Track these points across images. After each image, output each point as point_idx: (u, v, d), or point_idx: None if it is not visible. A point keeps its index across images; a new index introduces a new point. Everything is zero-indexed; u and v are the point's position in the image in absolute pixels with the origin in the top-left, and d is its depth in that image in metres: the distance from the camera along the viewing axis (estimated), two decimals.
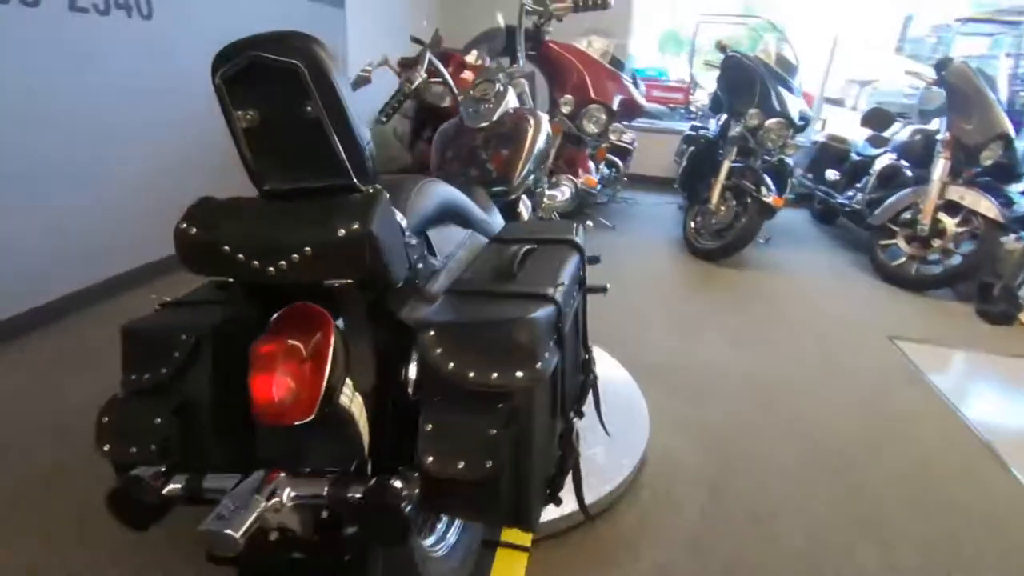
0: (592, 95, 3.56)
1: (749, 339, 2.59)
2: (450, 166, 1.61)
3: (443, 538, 1.15)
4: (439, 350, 0.72)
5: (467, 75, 3.77)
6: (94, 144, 2.34)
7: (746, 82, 3.43)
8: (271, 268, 0.68)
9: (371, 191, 0.72)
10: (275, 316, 0.72)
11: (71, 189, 2.28)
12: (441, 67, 1.83)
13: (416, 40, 3.80)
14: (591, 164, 3.60)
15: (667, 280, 3.34)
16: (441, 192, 1.02)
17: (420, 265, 0.83)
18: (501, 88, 1.81)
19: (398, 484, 0.65)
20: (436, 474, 0.67)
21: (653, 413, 1.85)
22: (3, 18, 1.91)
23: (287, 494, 0.67)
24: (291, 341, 0.69)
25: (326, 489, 0.68)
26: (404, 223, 0.80)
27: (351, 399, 0.75)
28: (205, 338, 0.76)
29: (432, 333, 0.74)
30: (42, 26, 2.05)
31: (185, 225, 0.71)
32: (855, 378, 2.33)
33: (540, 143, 1.72)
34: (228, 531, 0.59)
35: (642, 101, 3.90)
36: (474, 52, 3.91)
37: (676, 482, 1.64)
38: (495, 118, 1.74)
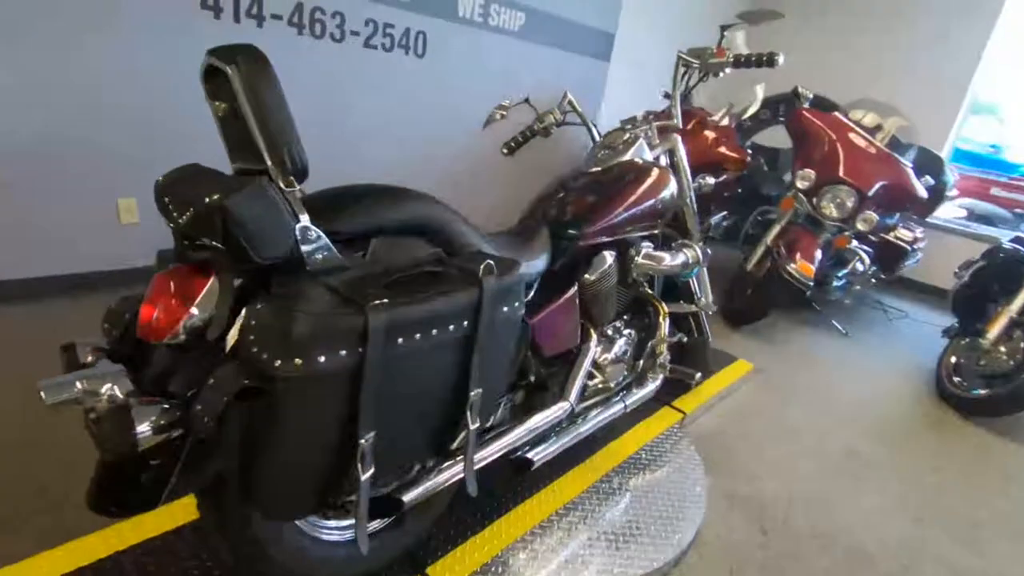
0: (840, 173, 3.02)
1: (1001, 550, 1.84)
2: (535, 205, 1.64)
3: (350, 527, 1.18)
4: (252, 321, 0.81)
5: (708, 134, 3.63)
6: (384, 148, 3.07)
7: None
8: (180, 219, 0.88)
9: (254, 177, 0.85)
10: (173, 266, 0.92)
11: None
12: (581, 110, 1.87)
13: (667, 95, 3.83)
14: (817, 251, 3.04)
15: (892, 424, 2.56)
16: (418, 209, 1.09)
17: (318, 256, 0.93)
18: (630, 138, 1.76)
19: (138, 415, 0.75)
20: (198, 417, 0.77)
21: None
22: (313, 49, 2.69)
23: (108, 388, 0.84)
24: (172, 282, 0.88)
25: (134, 402, 0.82)
26: (303, 216, 0.90)
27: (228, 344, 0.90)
28: None
29: (257, 306, 0.83)
30: (345, 58, 2.80)
31: (160, 179, 0.96)
32: None
33: (649, 198, 1.62)
34: (44, 384, 0.79)
35: (922, 193, 3.12)
36: (722, 112, 3.74)
37: None
38: (607, 165, 1.70)
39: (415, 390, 0.89)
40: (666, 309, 1.85)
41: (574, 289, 1.49)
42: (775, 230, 3.21)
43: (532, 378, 1.42)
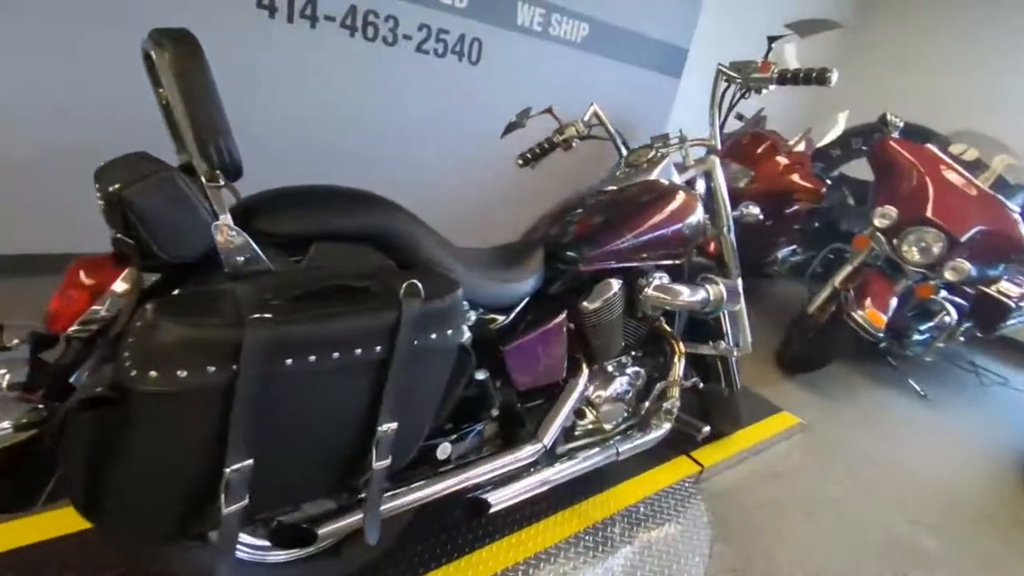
0: (928, 213, 2.65)
1: None
2: (538, 221, 1.52)
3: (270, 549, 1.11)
4: (134, 323, 0.75)
5: (780, 160, 3.35)
6: (430, 152, 3.07)
7: None
8: (102, 207, 0.84)
9: (162, 171, 0.80)
10: (93, 255, 0.88)
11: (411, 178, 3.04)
12: (608, 123, 1.72)
13: (739, 117, 3.58)
14: (892, 299, 2.67)
15: (963, 514, 2.15)
16: (369, 216, 1.00)
17: (238, 258, 0.86)
18: (656, 156, 1.60)
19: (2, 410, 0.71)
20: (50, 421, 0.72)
21: None
22: (365, 52, 2.70)
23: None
24: (82, 272, 0.84)
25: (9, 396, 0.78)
26: (224, 214, 0.84)
27: None
28: None
29: (145, 308, 0.78)
30: (395, 62, 2.81)
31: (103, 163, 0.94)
32: None
33: (668, 224, 1.47)
34: None
35: None
36: (797, 137, 3.44)
37: None
38: (624, 184, 1.55)
39: (312, 418, 0.79)
40: (682, 349, 1.65)
41: (561, 317, 1.34)
42: (845, 271, 2.87)
43: (494, 412, 1.29)
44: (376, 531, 0.91)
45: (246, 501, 0.75)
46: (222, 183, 0.85)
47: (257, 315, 0.71)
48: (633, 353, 1.63)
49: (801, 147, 3.43)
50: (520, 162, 1.74)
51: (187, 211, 0.82)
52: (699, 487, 1.86)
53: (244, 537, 1.06)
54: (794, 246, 3.75)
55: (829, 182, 3.65)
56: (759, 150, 3.41)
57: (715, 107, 1.67)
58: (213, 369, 0.69)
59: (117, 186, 0.77)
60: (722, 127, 1.74)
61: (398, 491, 1.13)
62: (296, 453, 0.80)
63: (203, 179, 0.84)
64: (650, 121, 3.96)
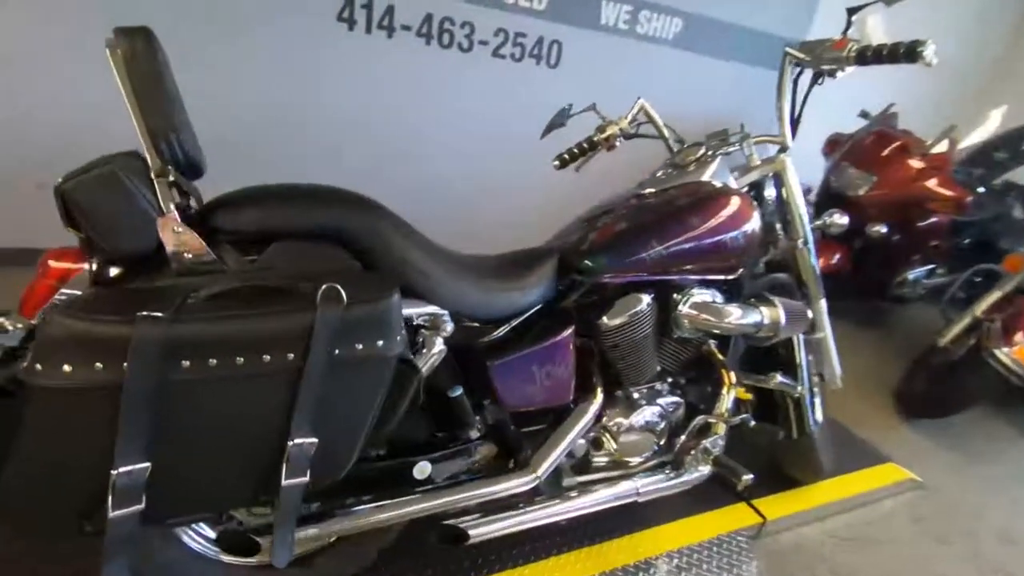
0: None
1: None
2: (568, 227, 1.38)
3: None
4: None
5: (913, 164, 2.85)
6: (503, 158, 3.03)
7: None
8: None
9: (107, 166, 0.80)
10: (64, 247, 0.91)
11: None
12: (658, 119, 1.53)
13: (863, 114, 3.12)
14: None
15: None
16: (332, 215, 0.96)
17: (186, 254, 0.85)
18: (706, 155, 1.41)
19: None
20: None
21: None
22: (440, 59, 2.72)
23: None
24: (50, 262, 0.88)
25: None
26: (171, 211, 0.83)
27: None
28: None
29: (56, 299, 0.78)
30: (471, 67, 2.80)
31: None
32: None
33: (713, 233, 1.29)
34: None
35: None
36: (936, 136, 2.91)
37: None
38: (665, 187, 1.37)
39: (217, 426, 0.75)
40: (733, 380, 1.41)
41: (566, 333, 1.20)
42: (992, 297, 2.34)
43: (473, 434, 1.17)
44: (286, 553, 0.84)
45: (141, 505, 0.72)
46: (171, 178, 0.85)
47: (145, 313, 0.68)
48: (671, 379, 1.43)
49: (941, 148, 2.88)
50: (556, 164, 1.61)
51: (129, 206, 0.82)
52: (757, 543, 1.58)
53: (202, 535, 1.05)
54: (932, 265, 3.15)
55: (982, 190, 3.02)
56: (885, 152, 2.92)
57: (784, 97, 1.42)
58: (101, 367, 0.67)
59: (60, 180, 0.79)
60: (797, 120, 1.47)
61: (362, 508, 1.06)
62: (200, 461, 0.76)
63: (152, 174, 0.84)
64: (760, 123, 3.58)
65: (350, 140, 2.73)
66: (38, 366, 0.66)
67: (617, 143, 1.55)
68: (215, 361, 0.72)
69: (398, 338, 0.82)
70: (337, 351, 0.77)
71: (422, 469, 1.12)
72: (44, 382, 0.66)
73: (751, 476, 1.34)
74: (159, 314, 0.69)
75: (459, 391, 1.09)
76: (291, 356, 0.75)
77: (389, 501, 1.08)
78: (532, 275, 1.20)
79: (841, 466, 1.90)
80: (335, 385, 0.78)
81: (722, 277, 1.35)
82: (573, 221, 1.42)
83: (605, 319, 1.26)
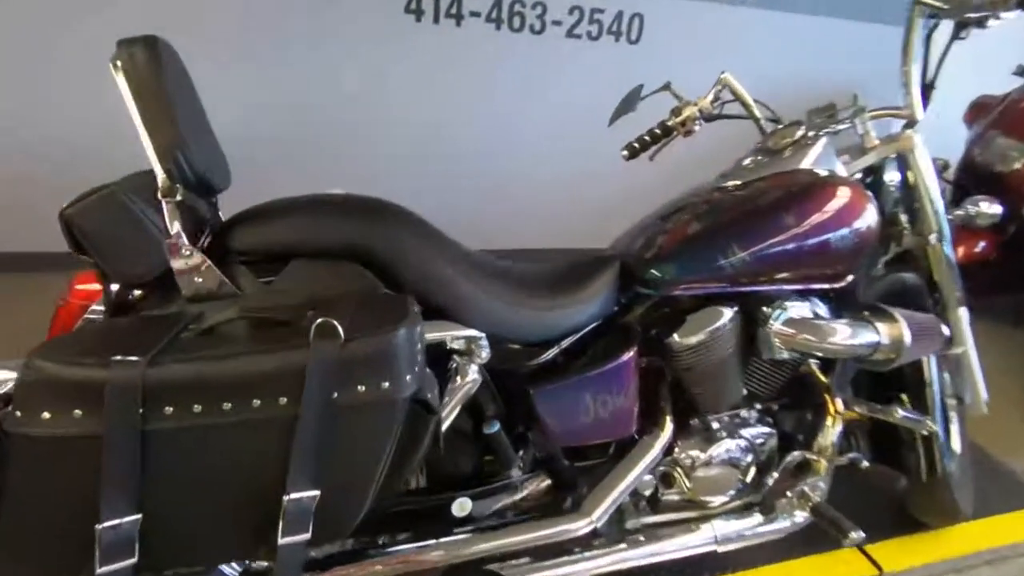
0: None
1: None
2: (633, 227, 1.21)
3: None
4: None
5: None
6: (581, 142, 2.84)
7: None
8: None
9: (108, 188, 0.76)
10: (87, 271, 0.88)
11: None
12: (747, 97, 1.29)
13: (1021, 71, 2.59)
14: None
15: None
16: (343, 229, 0.87)
17: (195, 278, 0.80)
18: (805, 136, 1.17)
19: None
20: None
21: None
22: (511, 44, 2.58)
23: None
24: (77, 283, 0.87)
25: None
26: (176, 232, 0.77)
27: None
28: None
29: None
30: (544, 50, 2.63)
31: None
32: None
33: (813, 233, 1.07)
34: None
35: None
36: None
37: None
38: (752, 178, 1.16)
39: (209, 476, 0.68)
40: (840, 408, 1.17)
41: (627, 355, 1.03)
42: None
43: (514, 474, 1.03)
44: None
45: (134, 559, 0.66)
46: (178, 197, 0.79)
47: (119, 357, 0.62)
48: (760, 406, 1.21)
49: None
50: (625, 153, 1.42)
51: (133, 230, 0.77)
52: None
53: None
54: None
55: None
56: None
57: (912, 59, 1.13)
58: (80, 414, 0.62)
59: (64, 205, 0.75)
60: (930, 87, 1.18)
61: (396, 549, 0.97)
62: (192, 513, 0.69)
63: (159, 194, 0.78)
64: (878, 95, 3.08)
65: (419, 135, 2.67)
66: (17, 413, 0.61)
67: (696, 126, 1.33)
68: (199, 407, 0.64)
69: (407, 377, 0.70)
70: (336, 395, 0.67)
71: (462, 506, 1.01)
72: (23, 430, 0.62)
73: (861, 535, 1.09)
74: (134, 358, 0.62)
75: (496, 427, 0.96)
76: (283, 401, 0.66)
77: (424, 543, 0.98)
78: (588, 287, 1.04)
79: (985, 506, 1.55)
80: (336, 432, 0.68)
81: (826, 286, 1.11)
82: (640, 221, 1.24)
83: (677, 337, 1.08)
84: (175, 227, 0.79)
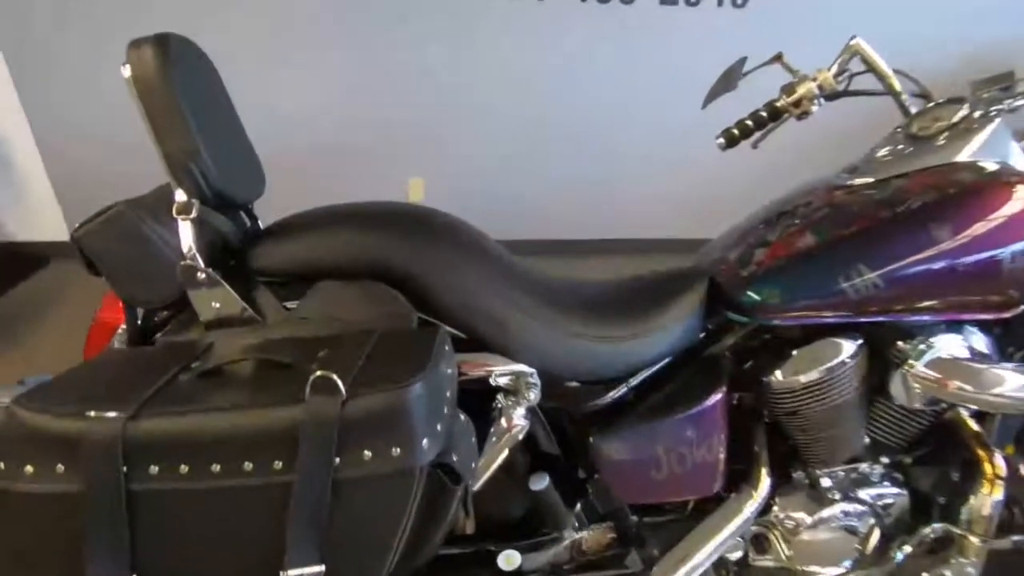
0: None
1: None
2: (727, 234, 1.00)
3: None
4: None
5: None
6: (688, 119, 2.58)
7: None
8: None
9: (117, 207, 0.69)
10: None
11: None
12: (883, 67, 1.02)
13: None
14: None
15: None
16: (368, 246, 0.76)
17: (213, 303, 0.72)
18: (970, 119, 0.91)
19: None
20: None
21: None
22: (597, 15, 2.35)
23: None
24: (105, 305, 0.82)
25: None
26: (191, 253, 0.70)
27: None
28: None
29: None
30: (633, 20, 2.38)
31: None
32: None
33: (974, 249, 0.85)
34: None
35: None
36: None
37: None
38: (888, 174, 0.92)
39: (202, 545, 0.59)
40: (1001, 470, 0.91)
41: (717, 396, 0.83)
42: None
43: (568, 535, 0.87)
44: None
45: None
46: (193, 214, 0.71)
47: (94, 413, 0.54)
48: (887, 459, 0.97)
49: None
50: (722, 142, 1.17)
51: (143, 251, 0.70)
52: None
53: None
54: None
55: None
56: None
57: None
58: (62, 469, 0.55)
59: (76, 226, 0.70)
60: None
61: None
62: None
63: (174, 211, 0.71)
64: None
65: (506, 117, 2.54)
66: (2, 464, 0.56)
67: (814, 107, 1.08)
68: (186, 468, 0.56)
69: (424, 442, 0.57)
70: (338, 459, 0.56)
71: (509, 559, 0.87)
72: (5, 483, 0.56)
73: None
74: (111, 414, 0.54)
75: (544, 482, 0.81)
76: (278, 465, 0.56)
77: None
78: (666, 313, 0.86)
79: None
80: (340, 504, 0.57)
81: (990, 316, 0.85)
82: (736, 226, 1.02)
83: (780, 375, 0.87)
84: (189, 248, 0.71)
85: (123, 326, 0.81)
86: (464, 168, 2.62)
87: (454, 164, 2.61)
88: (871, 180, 0.90)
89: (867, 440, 0.94)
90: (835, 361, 0.85)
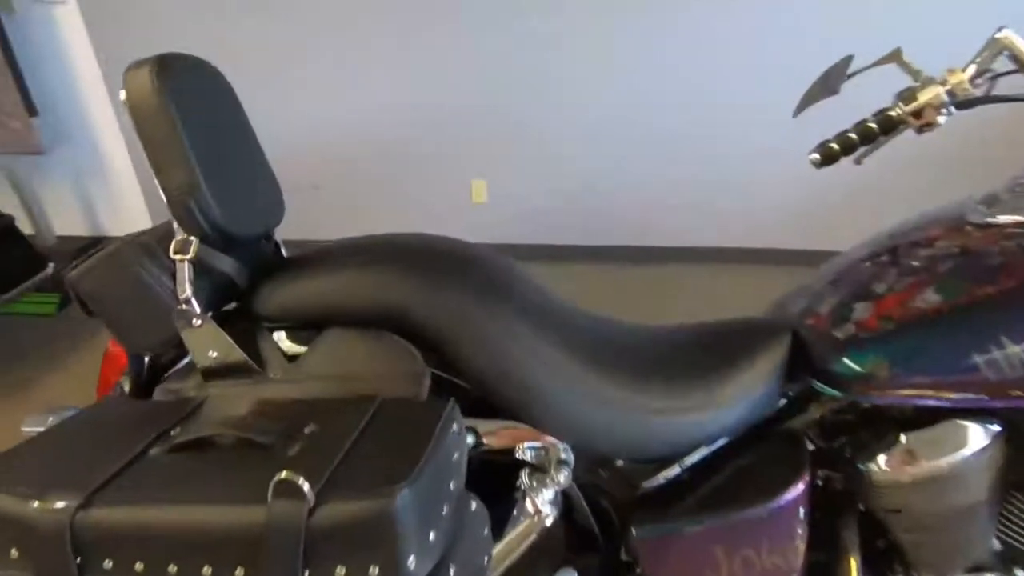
0: None
1: None
2: (818, 279, 0.82)
3: None
4: None
5: None
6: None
7: None
8: None
9: (113, 245, 0.64)
10: None
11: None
12: None
13: None
14: None
15: None
16: (380, 291, 0.66)
17: (210, 352, 0.65)
18: None
19: None
20: None
21: None
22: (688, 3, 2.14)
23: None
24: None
25: None
26: (186, 298, 0.63)
27: None
28: None
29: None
30: (727, 7, 2.15)
31: None
32: None
33: None
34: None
35: None
36: None
37: None
38: None
39: None
40: None
41: (798, 488, 0.67)
42: None
43: None
44: None
45: None
46: (190, 254, 0.64)
47: (37, 503, 0.47)
48: (1018, 565, 0.76)
49: None
50: (816, 158, 0.97)
51: (139, 295, 0.64)
52: None
53: None
54: None
55: None
56: None
57: None
58: (16, 554, 0.50)
59: (72, 266, 0.65)
60: None
61: None
62: None
63: (171, 251, 0.64)
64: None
65: (581, 118, 2.40)
66: None
67: (941, 117, 0.86)
68: (141, 566, 0.48)
69: (409, 560, 0.46)
70: (307, 572, 0.46)
71: None
72: None
73: None
74: (60, 504, 0.47)
75: None
76: (239, 573, 0.47)
77: None
78: (737, 379, 0.70)
79: None
80: None
81: None
82: (832, 264, 0.84)
83: (882, 463, 0.69)
84: (185, 291, 0.64)
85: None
86: (527, 170, 2.51)
87: (516, 166, 2.51)
88: (1019, 219, 0.70)
89: (997, 546, 0.74)
90: (962, 453, 0.66)
